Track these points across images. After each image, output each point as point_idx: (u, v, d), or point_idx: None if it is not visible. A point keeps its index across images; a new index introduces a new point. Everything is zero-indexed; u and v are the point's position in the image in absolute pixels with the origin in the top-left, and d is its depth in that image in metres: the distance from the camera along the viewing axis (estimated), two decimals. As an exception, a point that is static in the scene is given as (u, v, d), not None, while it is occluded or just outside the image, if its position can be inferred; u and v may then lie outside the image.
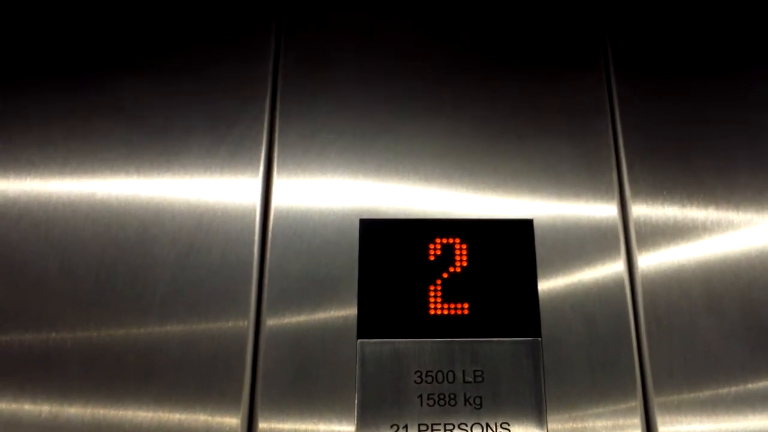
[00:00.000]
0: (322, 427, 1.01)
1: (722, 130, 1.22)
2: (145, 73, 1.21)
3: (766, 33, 1.30)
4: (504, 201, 1.15)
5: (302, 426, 1.01)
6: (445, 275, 1.09)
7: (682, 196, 1.17)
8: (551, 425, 1.02)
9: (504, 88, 1.24)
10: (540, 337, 1.07)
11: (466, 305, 1.08)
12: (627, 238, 1.14)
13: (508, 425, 1.02)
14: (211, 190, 1.13)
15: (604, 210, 1.15)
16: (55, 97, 1.19)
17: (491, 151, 1.18)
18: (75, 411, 1.01)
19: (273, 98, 1.20)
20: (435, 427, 1.01)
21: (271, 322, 1.07)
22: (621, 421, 1.03)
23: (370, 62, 1.25)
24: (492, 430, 1.02)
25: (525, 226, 1.13)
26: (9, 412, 1.01)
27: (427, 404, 1.03)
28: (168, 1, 1.27)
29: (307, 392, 1.03)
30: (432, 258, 1.10)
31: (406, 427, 1.01)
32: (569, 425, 1.02)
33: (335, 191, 1.14)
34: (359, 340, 1.05)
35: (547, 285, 1.10)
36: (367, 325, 1.06)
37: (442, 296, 1.08)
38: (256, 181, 1.14)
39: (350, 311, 1.07)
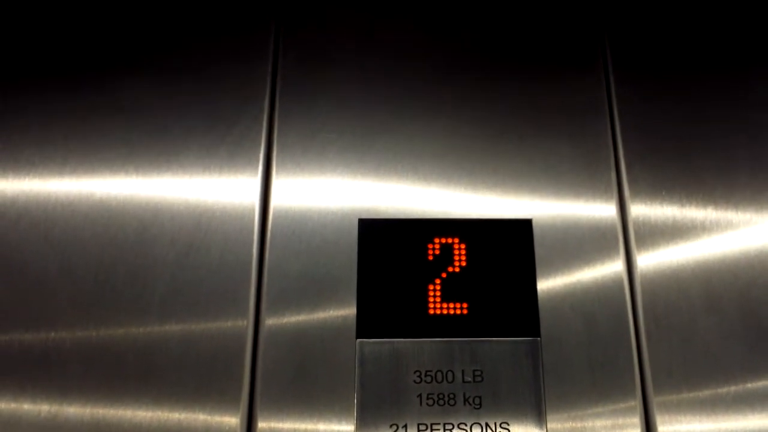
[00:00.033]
0: (321, 426, 1.01)
1: (722, 130, 1.22)
2: (144, 73, 1.21)
3: (766, 33, 1.30)
4: (503, 201, 1.15)
5: (302, 425, 1.01)
6: (444, 275, 1.09)
7: (681, 196, 1.17)
8: (551, 425, 1.02)
9: (504, 88, 1.24)
10: (539, 336, 1.07)
11: (465, 305, 1.08)
12: (626, 237, 1.14)
13: (508, 425, 1.02)
14: (211, 190, 1.13)
15: (604, 210, 1.15)
16: (55, 97, 1.19)
17: (490, 151, 1.18)
18: (74, 410, 1.01)
19: (272, 98, 1.21)
20: (434, 427, 1.01)
21: (270, 321, 1.07)
22: (620, 421, 1.03)
23: (370, 62, 1.25)
24: (491, 429, 1.02)
25: (524, 226, 1.13)
26: (8, 412, 1.01)
27: (427, 404, 1.03)
28: (168, 1, 1.27)
29: (307, 392, 1.03)
30: (431, 258, 1.10)
31: (405, 426, 1.01)
32: (569, 425, 1.02)
33: (334, 191, 1.14)
34: (358, 340, 1.05)
35: (546, 285, 1.10)
36: (367, 324, 1.06)
37: (441, 296, 1.08)
38: (255, 181, 1.14)
39: (349, 311, 1.07)
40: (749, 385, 1.06)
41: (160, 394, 1.02)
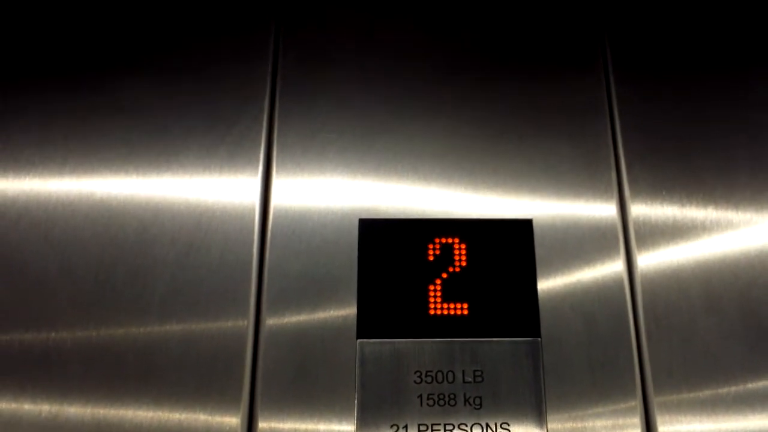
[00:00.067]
0: (321, 426, 1.01)
1: (722, 130, 1.22)
2: (144, 73, 1.21)
3: (766, 33, 1.30)
4: (503, 201, 1.15)
5: (302, 425, 1.01)
6: (444, 275, 1.09)
7: (681, 196, 1.17)
8: (551, 425, 1.02)
9: (504, 88, 1.24)
10: (539, 337, 1.07)
11: (465, 305, 1.08)
12: (626, 237, 1.14)
13: (508, 425, 1.02)
14: (211, 189, 1.13)
15: (604, 210, 1.15)
16: (55, 97, 1.19)
17: (491, 151, 1.18)
18: (75, 410, 1.01)
19: (272, 98, 1.21)
20: (435, 427, 1.01)
21: (270, 321, 1.07)
22: (621, 421, 1.03)
23: (370, 62, 1.25)
24: (492, 430, 1.02)
25: (524, 226, 1.13)
26: (9, 412, 1.01)
27: (427, 404, 1.03)
28: (168, 1, 1.27)
29: (307, 392, 1.03)
30: (431, 258, 1.10)
31: (405, 427, 1.01)
32: (569, 425, 1.03)
33: (334, 191, 1.14)
34: (359, 340, 1.05)
35: (546, 285, 1.10)
36: (367, 325, 1.06)
37: (441, 296, 1.08)
38: (256, 181, 1.14)
39: (350, 311, 1.07)
40: (749, 386, 1.06)
41: (160, 394, 1.02)
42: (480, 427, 1.02)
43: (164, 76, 1.22)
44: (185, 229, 1.11)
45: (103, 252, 1.09)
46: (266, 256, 1.10)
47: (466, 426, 1.02)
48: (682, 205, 1.16)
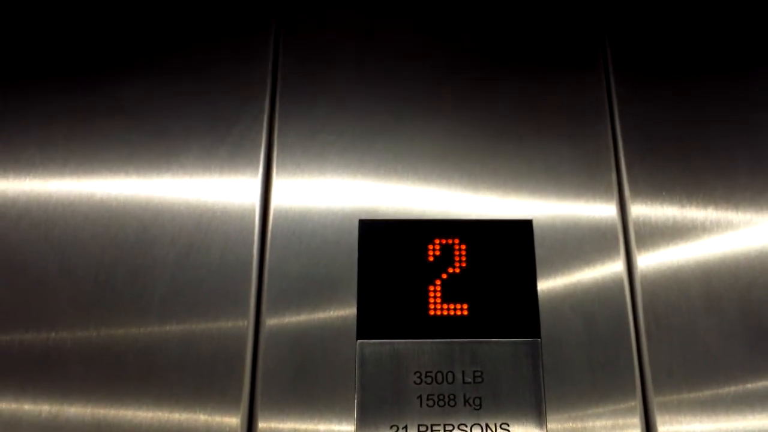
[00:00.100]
0: (321, 427, 1.01)
1: (722, 130, 1.22)
2: (144, 74, 1.21)
3: (766, 33, 1.30)
4: (503, 201, 1.15)
5: (302, 426, 1.01)
6: (444, 276, 1.09)
7: (681, 197, 1.17)
8: (551, 425, 1.02)
9: (504, 88, 1.24)
10: (539, 337, 1.07)
11: (465, 306, 1.08)
12: (626, 238, 1.14)
13: (508, 426, 1.02)
14: (211, 190, 1.14)
15: (604, 210, 1.15)
16: (56, 97, 1.19)
17: (491, 151, 1.18)
18: (75, 411, 1.01)
19: (272, 98, 1.21)
20: (435, 428, 1.02)
21: (270, 322, 1.07)
22: (620, 421, 1.03)
23: (370, 62, 1.25)
24: (492, 430, 1.02)
25: (524, 227, 1.13)
26: (9, 412, 1.01)
27: (427, 405, 1.03)
28: (168, 1, 1.27)
29: (307, 392, 1.03)
30: (431, 259, 1.10)
31: (405, 427, 1.02)
32: (569, 425, 1.03)
33: (334, 192, 1.14)
34: (359, 341, 1.05)
35: (546, 285, 1.10)
36: (367, 325, 1.06)
37: (441, 297, 1.08)
38: (256, 182, 1.14)
39: (350, 311, 1.07)
40: (749, 386, 1.06)
41: (160, 395, 1.02)
42: (480, 427, 1.02)
43: (164, 77, 1.22)
44: (185, 229, 1.11)
45: (103, 252, 1.09)
46: (266, 257, 1.10)
47: (466, 426, 1.02)
48: (682, 206, 1.16)
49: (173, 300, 1.07)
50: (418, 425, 1.02)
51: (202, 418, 1.01)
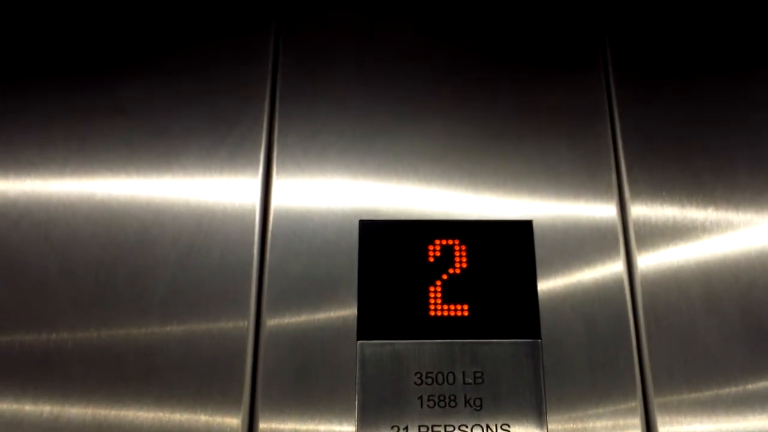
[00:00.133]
0: (322, 427, 1.02)
1: (722, 131, 1.22)
2: (145, 74, 1.21)
3: (766, 33, 1.30)
4: (503, 202, 1.15)
5: (303, 426, 1.02)
6: (444, 276, 1.09)
7: (681, 197, 1.17)
8: (551, 426, 1.02)
9: (504, 88, 1.24)
10: (540, 338, 1.07)
11: (465, 306, 1.08)
12: (626, 238, 1.14)
13: (508, 426, 1.02)
14: (211, 190, 1.14)
15: (604, 211, 1.15)
16: (56, 97, 1.19)
17: (491, 151, 1.18)
18: (76, 411, 1.01)
19: (272, 99, 1.20)
20: (435, 429, 1.02)
21: (271, 322, 1.07)
22: (621, 422, 1.03)
23: (370, 62, 1.25)
24: (492, 431, 1.02)
25: (524, 227, 1.13)
26: (10, 413, 1.01)
27: (428, 405, 1.03)
28: (168, 1, 1.27)
29: (308, 393, 1.03)
30: (431, 259, 1.10)
31: (406, 428, 1.02)
32: (569, 426, 1.03)
33: (335, 192, 1.14)
34: (359, 342, 1.06)
35: (546, 286, 1.10)
36: (367, 326, 1.06)
37: (441, 297, 1.08)
38: (256, 182, 1.14)
39: (350, 312, 1.07)
40: (750, 387, 1.06)
41: (161, 395, 1.02)
42: (480, 428, 1.02)
43: (164, 77, 1.22)
44: (186, 230, 1.11)
45: (103, 253, 1.09)
46: (267, 257, 1.10)
47: (467, 427, 1.02)
48: (682, 206, 1.16)
49: (174, 300, 1.07)
50: (419, 426, 1.02)
51: (202, 418, 1.01)
